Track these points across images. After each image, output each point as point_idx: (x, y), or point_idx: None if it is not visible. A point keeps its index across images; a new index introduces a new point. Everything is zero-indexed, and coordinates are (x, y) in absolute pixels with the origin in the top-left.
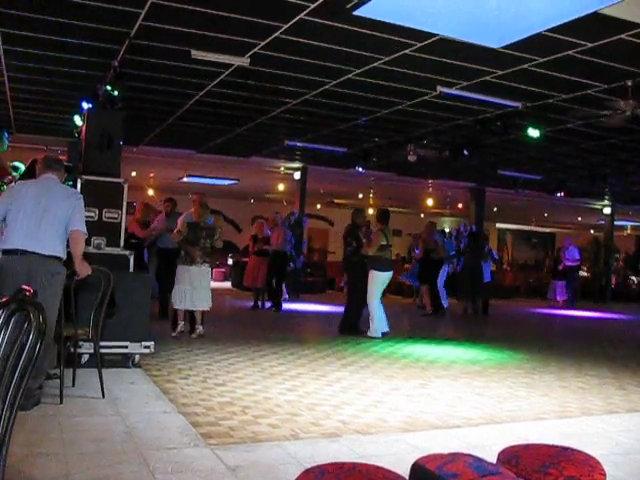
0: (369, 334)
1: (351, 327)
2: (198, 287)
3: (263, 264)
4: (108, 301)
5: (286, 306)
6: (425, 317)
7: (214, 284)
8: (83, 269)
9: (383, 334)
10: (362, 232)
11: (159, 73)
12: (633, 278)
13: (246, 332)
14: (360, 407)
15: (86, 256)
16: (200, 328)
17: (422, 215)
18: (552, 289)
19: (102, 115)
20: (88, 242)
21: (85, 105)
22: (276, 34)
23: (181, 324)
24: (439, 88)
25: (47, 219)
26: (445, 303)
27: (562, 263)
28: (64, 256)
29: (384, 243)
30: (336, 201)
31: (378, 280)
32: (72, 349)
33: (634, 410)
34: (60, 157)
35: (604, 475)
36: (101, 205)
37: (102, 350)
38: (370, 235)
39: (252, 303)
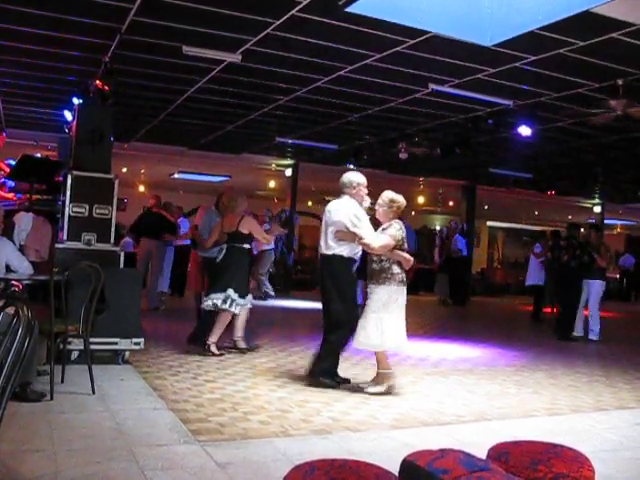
0: (591, 337)
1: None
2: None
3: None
4: (98, 297)
5: (277, 303)
6: None
7: None
8: None
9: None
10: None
11: (150, 69)
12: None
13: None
14: (350, 404)
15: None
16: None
17: (413, 213)
18: (440, 284)
19: (93, 111)
20: (79, 238)
21: (75, 100)
22: (268, 30)
23: None
24: (431, 86)
25: None
26: None
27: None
28: None
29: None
30: (327, 198)
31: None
32: (62, 345)
33: (623, 407)
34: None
35: (593, 472)
36: (91, 201)
37: (92, 346)
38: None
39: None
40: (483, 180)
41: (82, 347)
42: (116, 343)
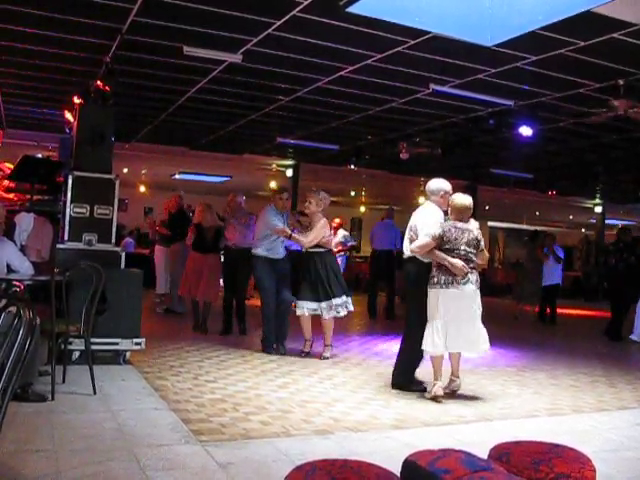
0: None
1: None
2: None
3: (212, 264)
4: (99, 297)
5: None
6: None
7: None
8: None
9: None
10: None
11: (151, 69)
12: None
13: (237, 328)
14: (351, 404)
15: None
16: (457, 381)
17: None
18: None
19: (93, 111)
20: (80, 238)
21: (76, 101)
22: (269, 31)
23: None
24: (432, 86)
25: None
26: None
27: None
28: None
29: None
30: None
31: None
32: (63, 346)
33: (624, 408)
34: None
35: (594, 472)
36: (92, 201)
37: (93, 347)
38: None
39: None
40: (484, 180)
41: (83, 347)
42: (117, 343)
